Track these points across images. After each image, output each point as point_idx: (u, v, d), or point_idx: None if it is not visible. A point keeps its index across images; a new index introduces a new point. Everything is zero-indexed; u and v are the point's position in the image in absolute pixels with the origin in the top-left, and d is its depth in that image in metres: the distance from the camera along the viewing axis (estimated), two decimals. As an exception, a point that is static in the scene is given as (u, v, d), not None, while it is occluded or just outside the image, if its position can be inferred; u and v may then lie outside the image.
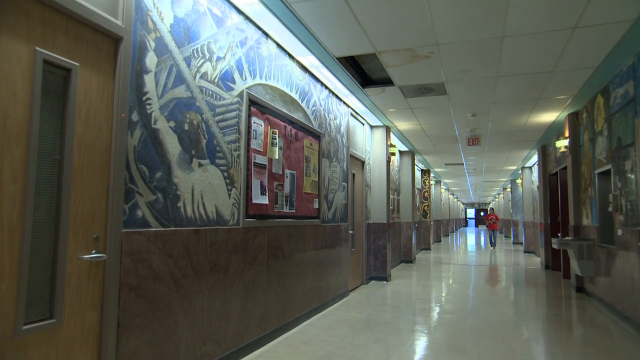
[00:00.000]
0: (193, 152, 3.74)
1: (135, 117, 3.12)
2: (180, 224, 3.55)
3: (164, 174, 3.38)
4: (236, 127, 4.44)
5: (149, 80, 3.24)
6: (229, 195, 4.28)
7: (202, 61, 3.88)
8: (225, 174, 4.23)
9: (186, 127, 3.65)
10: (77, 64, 2.69)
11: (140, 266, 3.13)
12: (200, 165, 3.83)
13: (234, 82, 4.41)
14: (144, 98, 3.19)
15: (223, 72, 4.22)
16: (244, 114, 4.57)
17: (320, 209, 6.69)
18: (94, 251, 2.85)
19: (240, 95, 4.53)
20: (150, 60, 3.26)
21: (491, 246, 19.92)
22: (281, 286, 5.37)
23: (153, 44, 3.28)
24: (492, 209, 21.86)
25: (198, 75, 3.82)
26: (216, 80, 4.10)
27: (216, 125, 4.09)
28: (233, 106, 4.39)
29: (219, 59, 4.14)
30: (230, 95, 4.35)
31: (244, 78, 4.59)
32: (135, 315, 3.09)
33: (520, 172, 18.30)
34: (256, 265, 4.76)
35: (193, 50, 3.76)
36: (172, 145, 3.48)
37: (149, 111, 3.24)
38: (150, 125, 3.25)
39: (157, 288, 3.29)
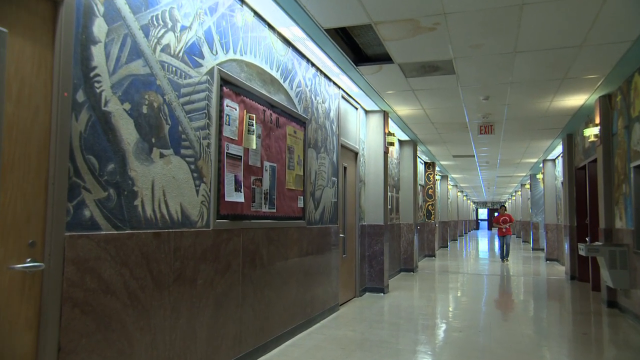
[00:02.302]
0: (153, 140, 3.70)
1: (81, 97, 3.06)
2: (137, 226, 3.52)
3: (117, 166, 3.33)
4: (205, 111, 4.39)
5: (97, 52, 3.18)
6: (197, 191, 4.25)
7: (163, 31, 3.82)
8: (193, 167, 4.19)
9: (144, 110, 3.61)
10: (6, 30, 2.61)
11: (87, 277, 3.08)
12: (162, 156, 3.79)
13: (202, 57, 4.36)
14: (91, 74, 3.14)
15: (189, 44, 4.17)
16: (214, 96, 4.53)
17: (306, 209, 6.67)
18: (28, 259, 2.79)
19: (210, 73, 4.48)
20: (99, 28, 3.19)
21: (502, 259, 17.36)
22: (259, 299, 5.33)
23: (102, 9, 3.22)
24: (504, 206, 18.36)
25: (158, 48, 3.77)
26: (181, 54, 4.05)
27: (181, 109, 4.05)
28: (202, 86, 4.34)
29: (183, 28, 4.08)
30: (198, 72, 4.30)
31: (214, 52, 4.55)
32: (81, 337, 3.03)
33: (541, 165, 18.43)
34: (229, 274, 4.73)
35: (152, 17, 3.70)
36: (128, 132, 3.43)
37: (98, 90, 3.18)
38: (100, 108, 3.20)
39: (109, 303, 3.24)
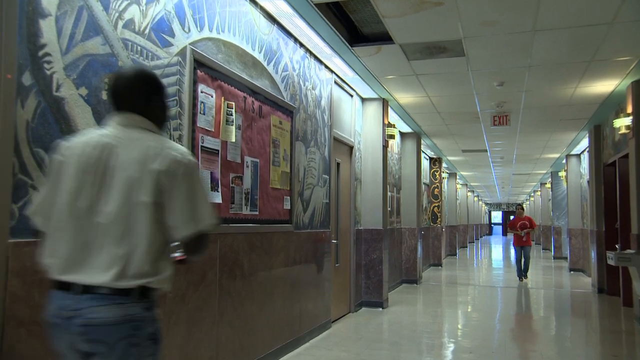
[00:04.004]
0: (114, 132, 3.62)
1: (27, 79, 3.02)
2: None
3: (71, 161, 3.26)
4: (176, 97, 4.37)
5: (47, 27, 3.14)
6: None
7: (125, 3, 3.79)
8: (161, 162, 4.11)
9: (104, 96, 3.57)
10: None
11: (35, 291, 3.04)
12: (124, 149, 3.71)
13: (172, 34, 4.33)
14: (40, 53, 3.10)
15: (156, 20, 4.14)
16: (187, 80, 4.50)
17: (293, 211, 6.66)
18: (-32, 270, 2.73)
19: (182, 53, 4.45)
20: (50, -1, 3.16)
21: (521, 280, 15.00)
22: (239, 315, 5.32)
23: (53, -23, 3.18)
24: (521, 206, 16.17)
25: (120, 24, 3.73)
26: (147, 31, 4.02)
27: (147, 94, 3.97)
28: (172, 69, 4.31)
29: (150, 1, 4.06)
30: (168, 53, 4.27)
31: (186, 30, 4.52)
32: (30, 360, 2.97)
33: (564, 161, 18.45)
34: (204, 286, 4.70)
35: (113, -12, 3.66)
36: (85, 121, 3.40)
37: (48, 72, 3.14)
38: (51, 93, 3.16)
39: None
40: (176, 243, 2.39)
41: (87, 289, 2.17)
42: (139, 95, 2.39)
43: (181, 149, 2.33)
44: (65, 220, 2.25)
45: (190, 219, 2.28)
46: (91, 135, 2.36)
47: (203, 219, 2.32)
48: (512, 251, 28.53)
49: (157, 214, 2.25)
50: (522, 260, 14.98)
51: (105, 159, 2.26)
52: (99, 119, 3.49)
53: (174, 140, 4.27)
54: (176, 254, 2.46)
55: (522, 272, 14.94)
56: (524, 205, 41.91)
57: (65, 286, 2.22)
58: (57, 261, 2.26)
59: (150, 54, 4.04)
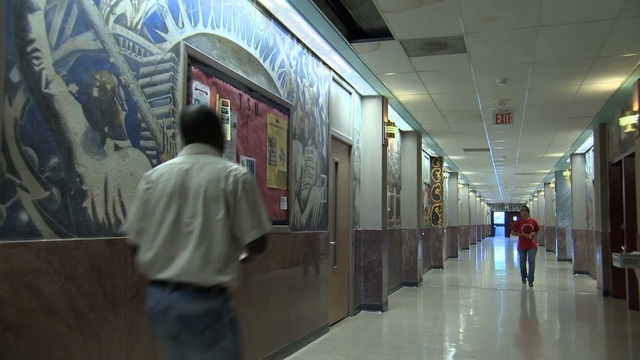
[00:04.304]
0: (106, 130, 3.66)
1: (15, 76, 3.01)
2: (86, 232, 3.48)
3: (61, 160, 3.29)
4: (170, 95, 4.36)
5: (36, 22, 3.13)
6: None
7: (118, -2, 3.78)
8: (155, 161, 4.15)
9: (95, 93, 3.56)
10: None
11: (24, 294, 3.03)
12: (117, 148, 3.76)
13: (165, 30, 4.32)
14: (29, 49, 3.08)
15: (149, 15, 4.12)
16: (180, 77, 4.49)
17: (290, 211, 6.66)
18: (-46, 272, 2.73)
19: (176, 49, 4.44)
20: (39, -7, 3.16)
21: (524, 282, 14.69)
22: (234, 320, 5.26)
23: (42, -30, 3.17)
24: (527, 208, 15.52)
25: (112, 19, 3.72)
26: (139, 26, 4.01)
27: (140, 92, 4.01)
28: (165, 65, 4.30)
29: (143, -5, 4.05)
30: (161, 49, 4.26)
31: (180, 25, 4.51)
32: (18, 366, 2.97)
33: (568, 161, 18.50)
34: (198, 290, 4.65)
35: (105, -19, 3.65)
36: (75, 119, 3.39)
37: (37, 68, 3.13)
38: (40, 89, 3.15)
39: (51, 325, 3.19)
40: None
41: (178, 287, 2.79)
42: (204, 129, 3.05)
43: (240, 169, 2.97)
44: (158, 232, 2.88)
45: (253, 226, 2.91)
46: (170, 164, 3.02)
47: (263, 226, 2.96)
48: (515, 253, 28.62)
49: (227, 224, 2.88)
50: (526, 265, 14.57)
51: (184, 181, 2.91)
52: (90, 117, 3.49)
53: (167, 139, 4.30)
54: (242, 255, 3.05)
55: (529, 278, 14.43)
56: (530, 205, 41.87)
57: (160, 284, 2.84)
58: (152, 264, 2.87)
59: (142, 50, 4.03)
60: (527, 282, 14.45)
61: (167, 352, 2.97)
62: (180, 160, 3.02)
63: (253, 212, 2.92)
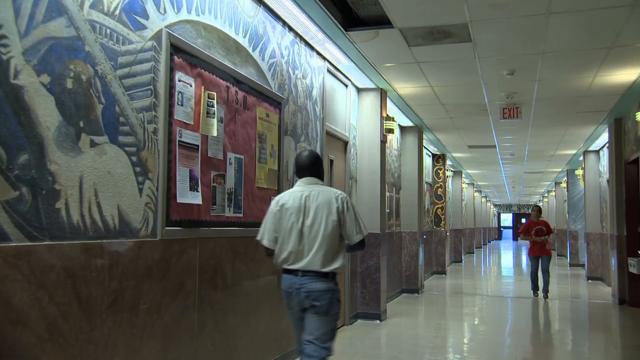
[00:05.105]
0: (81, 124, 3.64)
1: (-18, 66, 2.99)
2: (60, 235, 3.46)
3: (32, 157, 3.27)
4: (151, 86, 4.35)
5: (2, 6, 3.10)
6: (140, 190, 4.22)
7: (94, -19, 3.77)
8: (134, 159, 4.15)
9: (69, 84, 3.54)
10: None
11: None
12: (93, 144, 3.74)
13: (146, 16, 4.30)
14: (-4, 36, 3.08)
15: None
16: (162, 67, 4.48)
17: (282, 213, 6.61)
18: None
19: (157, 37, 4.43)
20: (5, -26, 3.14)
21: (536, 295, 13.51)
22: (221, 329, 5.31)
23: (9, -52, 3.17)
24: (538, 207, 14.37)
25: (87, 4, 3.70)
26: (117, 12, 3.99)
27: (119, 84, 4.00)
28: (146, 54, 4.29)
29: (121, -21, 4.03)
30: (141, 37, 4.25)
31: (162, 11, 4.50)
32: (-17, 381, 2.96)
33: (581, 158, 18.53)
34: (182, 297, 4.71)
35: (79, -37, 3.64)
36: (47, 113, 3.37)
37: (4, 57, 3.11)
38: (8, 80, 3.13)
39: (20, 337, 3.18)
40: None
41: (305, 273, 4.48)
42: (314, 167, 4.79)
43: (343, 193, 4.68)
44: (289, 237, 4.54)
45: (357, 232, 4.60)
46: (293, 192, 4.72)
47: (362, 231, 4.64)
48: (524, 258, 28.58)
49: (338, 231, 4.55)
50: (538, 273, 13.43)
51: (305, 203, 4.57)
52: (64, 111, 3.46)
53: (148, 135, 4.28)
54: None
55: (543, 290, 13.30)
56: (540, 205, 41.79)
57: (292, 272, 4.54)
58: (287, 259, 4.55)
59: (121, 38, 4.00)
60: (541, 294, 13.36)
61: (295, 319, 4.66)
62: (300, 189, 4.70)
63: (356, 221, 4.60)
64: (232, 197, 5.56)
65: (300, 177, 4.78)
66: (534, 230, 13.48)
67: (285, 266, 4.54)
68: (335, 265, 4.50)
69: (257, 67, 6.15)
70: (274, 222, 4.63)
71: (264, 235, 4.68)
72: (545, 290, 13.20)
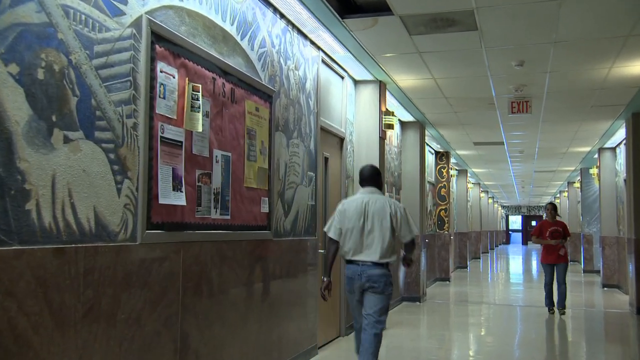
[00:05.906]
0: (54, 119, 3.62)
1: (-55, 55, 2.98)
2: (30, 239, 3.44)
3: None
4: (130, 78, 4.33)
5: (-32, -10, 3.10)
6: (119, 191, 4.20)
7: (67, -37, 3.74)
8: (112, 156, 4.14)
9: (41, 75, 3.52)
10: None
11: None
12: (67, 140, 3.72)
13: (124, 1, 4.28)
14: (-40, 22, 3.06)
15: (105, -17, 4.10)
16: (143, 57, 4.47)
17: (272, 215, 6.69)
18: None
19: (137, 24, 4.41)
20: (-30, -45, 3.13)
21: (552, 311, 12.17)
22: (206, 341, 5.31)
23: None
24: (554, 205, 12.81)
25: (60, -13, 3.68)
26: (93, -4, 3.97)
27: (95, 75, 3.97)
28: (124, 43, 4.27)
29: (97, -40, 4.01)
30: (119, 23, 4.23)
31: (142, -5, 4.49)
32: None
33: (596, 156, 18.58)
34: (164, 306, 4.69)
35: (51, -57, 3.62)
36: (16, 106, 3.34)
37: (-30, 45, 3.09)
38: (-26, 70, 3.11)
39: (-13, 349, 3.16)
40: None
41: (364, 263, 5.92)
42: (374, 178, 6.30)
43: (396, 201, 6.63)
44: (352, 233, 5.97)
45: (409, 233, 6.11)
46: (355, 198, 6.21)
47: (414, 232, 6.15)
48: (535, 264, 28.61)
49: (393, 231, 6.01)
50: (553, 285, 12.15)
51: (365, 207, 6.00)
52: (34, 104, 3.43)
53: (127, 130, 4.26)
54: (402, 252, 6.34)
55: (558, 305, 12.06)
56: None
57: (354, 262, 6.00)
58: (350, 251, 5.99)
59: (97, 25, 3.97)
60: (557, 309, 12.09)
61: (355, 301, 6.09)
62: (361, 196, 6.17)
63: (408, 224, 6.10)
64: (218, 197, 5.55)
65: (363, 186, 6.31)
66: (548, 231, 12.15)
67: (348, 257, 6.03)
68: (388, 258, 5.96)
69: (246, 57, 6.15)
70: (339, 220, 6.09)
71: (331, 228, 6.15)
72: (562, 306, 12.04)
